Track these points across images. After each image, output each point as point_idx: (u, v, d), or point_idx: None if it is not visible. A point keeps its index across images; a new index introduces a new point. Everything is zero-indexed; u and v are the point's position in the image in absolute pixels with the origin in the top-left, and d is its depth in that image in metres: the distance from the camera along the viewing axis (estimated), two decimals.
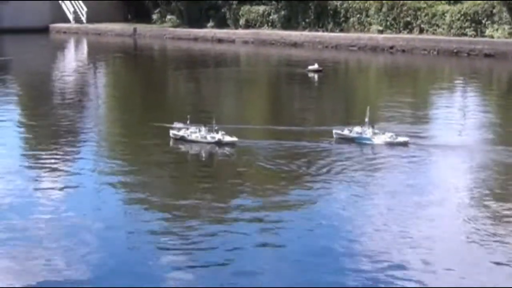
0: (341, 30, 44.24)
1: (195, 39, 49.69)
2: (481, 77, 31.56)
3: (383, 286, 8.37)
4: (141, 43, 50.69)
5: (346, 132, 15.13)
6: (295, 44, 43.83)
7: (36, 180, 12.98)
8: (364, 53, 39.49)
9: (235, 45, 46.38)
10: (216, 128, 15.27)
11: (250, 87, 28.08)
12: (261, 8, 49.01)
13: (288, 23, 47.00)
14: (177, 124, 15.68)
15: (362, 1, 43.46)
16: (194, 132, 15.41)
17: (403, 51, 38.72)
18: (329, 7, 45.07)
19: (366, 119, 14.94)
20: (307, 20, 46.03)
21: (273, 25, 48.01)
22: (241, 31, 48.65)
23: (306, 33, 44.76)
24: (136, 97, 25.44)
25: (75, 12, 62.96)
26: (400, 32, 41.48)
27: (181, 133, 15.57)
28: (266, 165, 13.63)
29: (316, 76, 29.12)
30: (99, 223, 10.57)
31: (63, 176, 13.32)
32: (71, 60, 42.46)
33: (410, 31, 41.26)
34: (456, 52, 36.89)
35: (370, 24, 42.95)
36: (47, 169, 13.72)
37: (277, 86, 28.62)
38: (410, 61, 36.65)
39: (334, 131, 15.33)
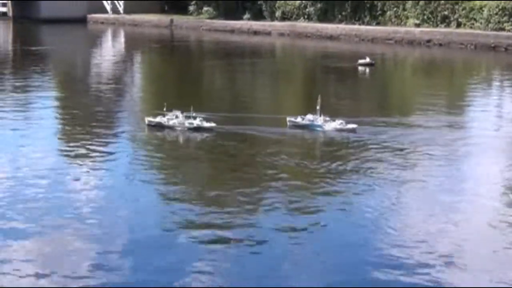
0: (378, 24, 44.06)
1: (231, 31, 49.84)
2: None
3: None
4: (177, 34, 50.89)
5: (299, 119, 15.78)
6: (331, 37, 43.71)
7: (63, 163, 13.30)
8: (400, 47, 39.28)
9: (271, 37, 46.41)
10: (193, 114, 15.58)
11: (293, 81, 27.91)
12: (297, 1, 48.92)
13: (324, 16, 46.93)
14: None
15: None
16: (171, 119, 15.65)
17: (440, 45, 38.46)
18: (365, 0, 44.90)
19: (318, 107, 15.58)
20: (343, 13, 45.93)
21: (309, 18, 47.96)
22: (277, 24, 48.66)
23: (342, 26, 44.62)
24: (170, 86, 25.56)
25: (113, 3, 63.43)
26: (437, 26, 41.20)
27: (157, 119, 15.79)
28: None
29: (367, 70, 28.51)
30: (128, 209, 10.73)
31: (92, 161, 13.52)
32: (108, 50, 42.82)
33: (448, 25, 40.97)
34: (493, 46, 36.59)
35: (407, 17, 42.73)
36: (79, 154, 13.98)
37: (325, 80, 27.76)
38: (450, 55, 36.33)
39: (287, 118, 15.92)
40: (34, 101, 20.91)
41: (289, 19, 49.05)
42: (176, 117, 15.63)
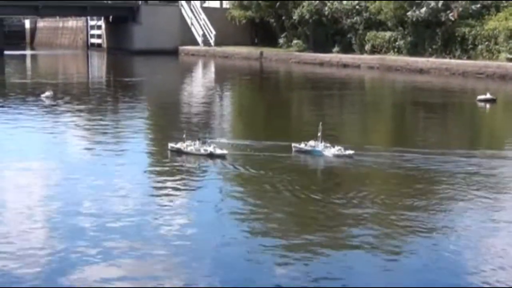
0: (469, 57, 43.46)
1: (321, 63, 50.10)
2: None
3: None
4: (267, 66, 51.37)
5: (302, 145, 16.92)
6: (421, 71, 43.26)
7: (145, 193, 13.36)
8: (492, 81, 38.50)
9: (360, 70, 46.38)
10: (208, 141, 16.48)
11: (402, 115, 27.31)
12: (388, 34, 48.99)
13: (414, 49, 46.69)
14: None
15: (491, 29, 42.72)
16: (190, 145, 16.38)
17: None
18: (457, 34, 44.46)
19: (319, 134, 16.60)
20: (434, 46, 45.57)
21: (399, 51, 47.84)
22: (366, 57, 48.74)
23: (432, 59, 44.18)
24: (257, 116, 25.84)
25: (204, 35, 64.52)
26: None
27: (178, 145, 16.57)
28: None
29: (487, 105, 27.39)
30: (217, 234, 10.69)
31: (178, 191, 13.61)
32: (199, 82, 43.49)
33: None
34: None
35: (499, 51, 42.03)
36: (163, 183, 14.18)
37: (444, 115, 26.66)
38: None
39: (292, 144, 17.03)
40: (123, 130, 21.35)
41: (378, 52, 49.09)
42: (194, 144, 16.38)
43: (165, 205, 12.35)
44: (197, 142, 16.42)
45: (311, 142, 16.85)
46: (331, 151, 16.47)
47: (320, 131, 16.56)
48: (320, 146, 16.66)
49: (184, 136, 16.57)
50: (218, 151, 16.12)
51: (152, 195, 13.12)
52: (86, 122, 23.05)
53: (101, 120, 23.30)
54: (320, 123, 16.79)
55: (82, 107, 27.21)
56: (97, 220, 11.28)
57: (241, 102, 31.88)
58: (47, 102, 27.46)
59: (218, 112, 27.34)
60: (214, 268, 9.45)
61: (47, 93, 28.47)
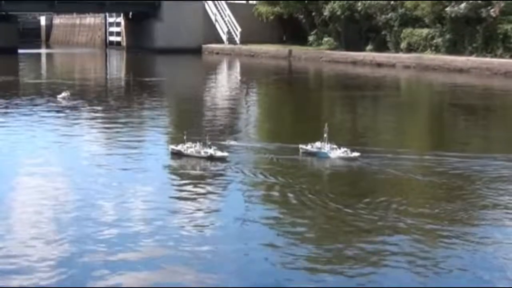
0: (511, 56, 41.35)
1: (353, 62, 48.35)
2: None
3: None
4: (296, 65, 49.99)
5: (309, 147, 16.81)
6: (460, 70, 41.16)
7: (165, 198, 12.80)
8: None
9: (395, 70, 44.55)
10: (209, 143, 16.20)
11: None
12: (425, 31, 46.93)
13: (453, 48, 44.52)
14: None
15: None
16: (190, 147, 16.24)
17: None
18: (498, 31, 42.27)
19: (325, 135, 16.42)
20: (474, 44, 43.35)
21: (436, 49, 45.75)
22: (402, 55, 46.73)
23: (472, 58, 42.03)
24: (279, 119, 24.72)
25: (229, 33, 63.34)
26: None
27: (178, 147, 16.40)
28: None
29: None
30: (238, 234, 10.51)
31: (198, 194, 13.07)
32: (223, 83, 41.75)
33: None
34: None
35: None
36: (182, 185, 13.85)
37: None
38: None
39: (300, 146, 16.90)
40: (136, 132, 20.86)
41: (415, 50, 47.05)
42: (194, 146, 16.17)
43: (165, 207, 11.94)
44: (198, 144, 16.16)
45: (317, 144, 16.72)
46: (336, 153, 16.32)
47: (326, 132, 16.35)
48: (326, 147, 16.52)
49: (184, 137, 16.20)
50: (218, 154, 15.91)
51: (145, 198, 12.55)
52: (101, 124, 22.61)
53: (116, 122, 22.55)
54: (326, 124, 16.53)
55: (99, 108, 26.35)
56: (105, 223, 10.96)
57: (265, 104, 30.28)
58: (64, 103, 26.55)
59: (237, 114, 25.93)
60: (228, 270, 9.13)
61: (64, 94, 27.68)
